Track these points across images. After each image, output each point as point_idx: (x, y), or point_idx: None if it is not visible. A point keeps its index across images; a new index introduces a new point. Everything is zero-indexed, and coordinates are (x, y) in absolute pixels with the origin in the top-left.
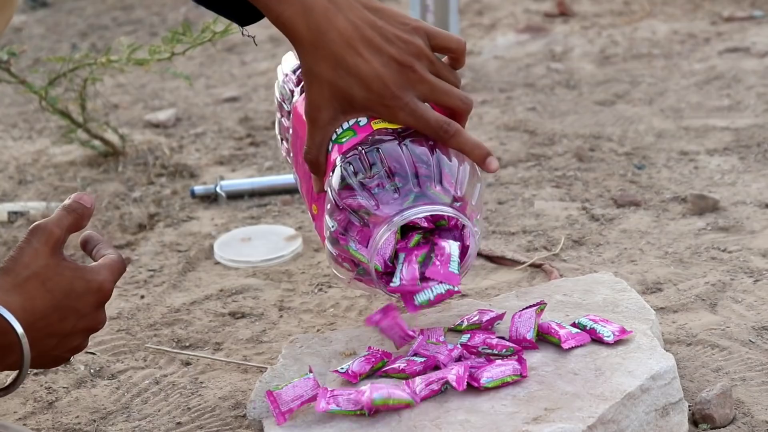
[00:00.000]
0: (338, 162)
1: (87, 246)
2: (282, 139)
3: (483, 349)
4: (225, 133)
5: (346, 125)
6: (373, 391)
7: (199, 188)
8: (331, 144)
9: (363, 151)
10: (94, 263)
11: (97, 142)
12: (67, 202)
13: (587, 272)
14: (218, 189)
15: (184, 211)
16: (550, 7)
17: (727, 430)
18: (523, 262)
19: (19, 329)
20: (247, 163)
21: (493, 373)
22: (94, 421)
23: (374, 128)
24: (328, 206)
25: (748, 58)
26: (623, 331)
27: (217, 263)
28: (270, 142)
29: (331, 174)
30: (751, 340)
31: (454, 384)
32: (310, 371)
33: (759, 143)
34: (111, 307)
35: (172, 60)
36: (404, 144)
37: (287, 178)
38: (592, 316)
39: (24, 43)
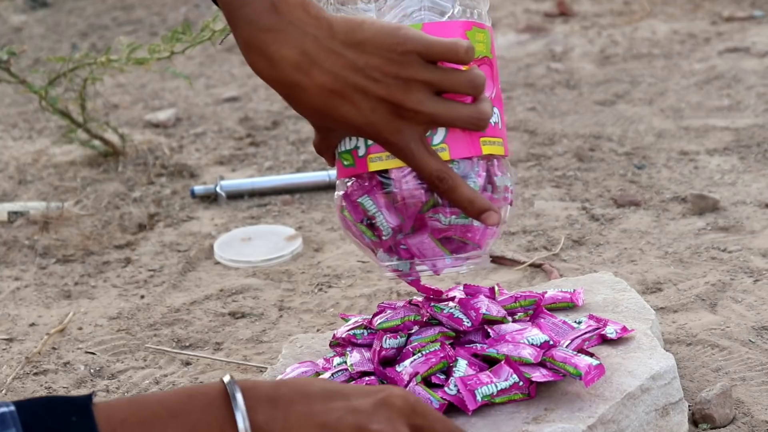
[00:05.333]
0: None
1: None
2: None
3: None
4: (225, 133)
5: (348, 143)
6: None
7: (199, 188)
8: (337, 154)
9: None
10: None
11: (97, 142)
12: None
13: (587, 272)
14: (218, 189)
15: (184, 211)
16: (550, 7)
17: (727, 430)
18: (523, 262)
19: (238, 388)
20: (247, 163)
21: (489, 383)
22: None
23: (369, 169)
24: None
25: (748, 58)
26: (625, 329)
27: (217, 263)
28: (270, 142)
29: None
30: (751, 340)
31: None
32: None
33: (759, 143)
34: (111, 307)
35: (172, 59)
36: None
37: (287, 178)
38: (592, 316)
39: (24, 43)
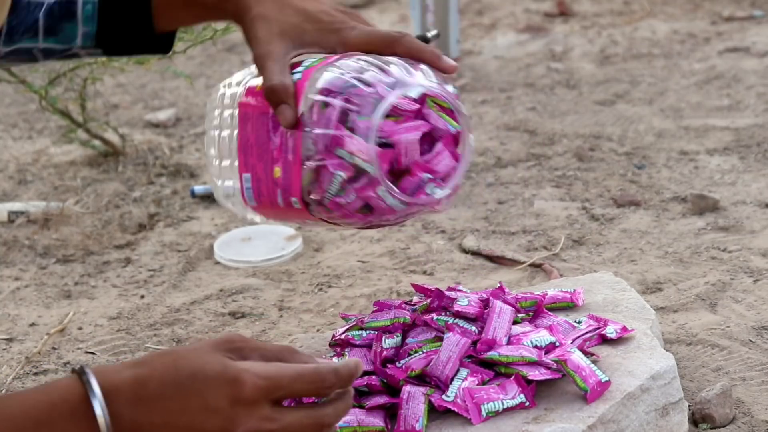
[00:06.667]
0: (324, 69)
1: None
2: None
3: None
4: None
5: (310, 58)
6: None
7: (199, 188)
8: (299, 73)
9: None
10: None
11: (97, 142)
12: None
13: (587, 272)
14: None
15: (184, 211)
16: (550, 7)
17: (727, 429)
18: (523, 262)
19: (99, 395)
20: None
21: (496, 400)
22: None
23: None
24: (314, 117)
25: (748, 58)
26: (625, 329)
27: (217, 263)
28: None
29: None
30: (751, 340)
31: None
32: None
33: (759, 143)
34: (111, 307)
35: (173, 59)
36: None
37: None
38: (592, 315)
39: None
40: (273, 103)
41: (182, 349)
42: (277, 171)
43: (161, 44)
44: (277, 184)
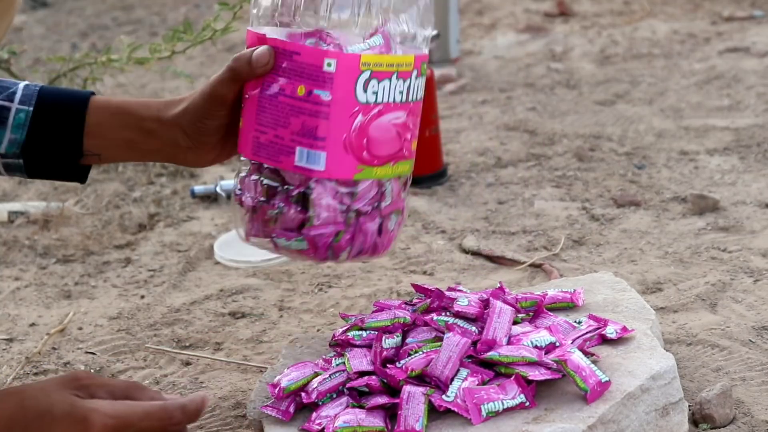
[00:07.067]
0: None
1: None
2: None
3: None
4: None
5: None
6: (340, 417)
7: (199, 188)
8: None
9: None
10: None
11: None
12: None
13: (587, 272)
14: (218, 189)
15: (184, 211)
16: (550, 7)
17: (727, 430)
18: (523, 262)
19: None
20: None
21: (496, 400)
22: None
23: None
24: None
25: (748, 58)
26: (625, 329)
27: (217, 263)
28: None
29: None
30: (751, 340)
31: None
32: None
33: (759, 143)
34: (111, 307)
35: (173, 59)
36: None
37: None
38: (592, 316)
39: (24, 43)
40: (244, 62)
41: (29, 387)
42: (301, 89)
43: (80, 172)
44: (309, 90)
